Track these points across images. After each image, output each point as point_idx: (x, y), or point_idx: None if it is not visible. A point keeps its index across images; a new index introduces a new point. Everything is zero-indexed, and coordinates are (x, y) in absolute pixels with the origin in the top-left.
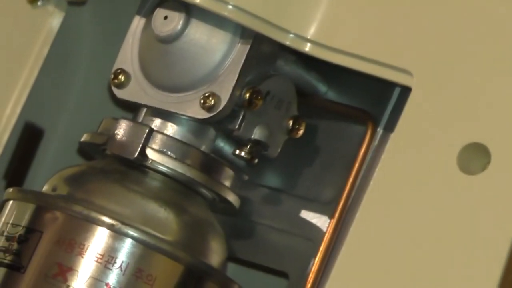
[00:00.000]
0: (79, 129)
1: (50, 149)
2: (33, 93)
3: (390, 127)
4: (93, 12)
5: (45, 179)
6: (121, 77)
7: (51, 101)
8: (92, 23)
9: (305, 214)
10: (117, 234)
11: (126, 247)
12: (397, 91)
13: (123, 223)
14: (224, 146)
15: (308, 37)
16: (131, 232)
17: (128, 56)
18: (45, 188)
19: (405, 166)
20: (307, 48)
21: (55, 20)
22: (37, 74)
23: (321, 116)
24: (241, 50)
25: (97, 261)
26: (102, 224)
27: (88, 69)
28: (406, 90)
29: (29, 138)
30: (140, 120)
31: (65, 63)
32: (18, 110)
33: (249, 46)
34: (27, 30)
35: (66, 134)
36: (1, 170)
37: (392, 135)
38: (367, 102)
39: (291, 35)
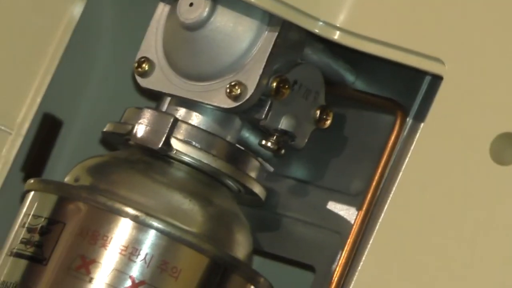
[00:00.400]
0: (99, 120)
1: (69, 140)
2: (53, 83)
3: (419, 117)
4: (114, 0)
5: (64, 171)
6: (145, 66)
7: (71, 91)
8: (113, 10)
9: (332, 206)
10: (141, 226)
11: (151, 238)
12: (427, 80)
13: (147, 214)
14: (250, 136)
15: (337, 25)
16: (155, 223)
17: (152, 44)
18: (67, 179)
19: (436, 157)
20: (336, 36)
21: (77, 8)
22: (58, 63)
23: (349, 106)
24: (268, 38)
25: (120, 253)
26: (126, 215)
27: (108, 58)
28: (436, 79)
29: (48, 129)
30: (164, 109)
31: (86, 52)
32: (38, 100)
33: (277, 34)
34: (48, 18)
35: (85, 125)
36: (20, 161)
37: (423, 125)
38: (396, 91)
39: (320, 23)
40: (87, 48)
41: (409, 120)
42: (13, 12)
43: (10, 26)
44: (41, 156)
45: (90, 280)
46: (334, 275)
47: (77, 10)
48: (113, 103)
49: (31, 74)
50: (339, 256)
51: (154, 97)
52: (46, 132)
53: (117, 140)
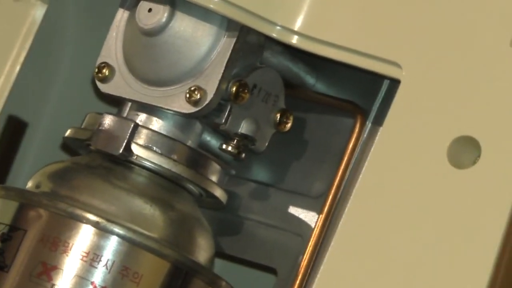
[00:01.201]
0: (63, 122)
1: (34, 142)
2: (16, 86)
3: (379, 120)
4: (77, 4)
5: (29, 173)
6: (105, 71)
7: (35, 94)
8: (75, 15)
9: (294, 209)
10: (102, 232)
11: (112, 244)
12: (385, 83)
13: (108, 220)
14: (211, 140)
15: (295, 29)
16: (116, 229)
17: (112, 49)
18: (29, 185)
19: (394, 160)
20: (294, 40)
21: (38, 11)
22: (19, 67)
23: (309, 109)
24: (227, 43)
25: (82, 259)
26: (87, 221)
27: (71, 62)
28: (395, 83)
29: (12, 131)
30: (124, 115)
31: (48, 56)
32: (1, 104)
33: (235, 38)
34: (9, 22)
35: (50, 128)
36: None
37: (382, 128)
38: (356, 94)
39: (278, 27)
40: (49, 51)
41: (368, 123)
42: None
43: None
44: (6, 158)
45: (52, 286)
46: (296, 278)
47: (39, 13)
48: (77, 106)
49: None
50: (300, 258)
51: (116, 102)
52: (10, 134)
53: (78, 146)
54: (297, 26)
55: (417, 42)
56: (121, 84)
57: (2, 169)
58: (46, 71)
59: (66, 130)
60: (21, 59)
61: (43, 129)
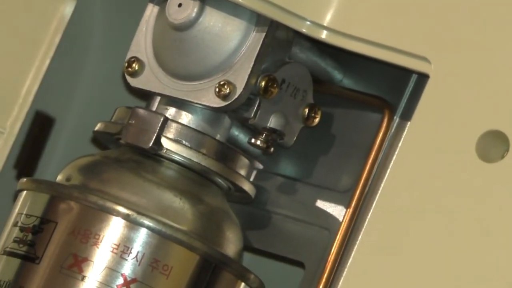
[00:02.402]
0: (90, 118)
1: (61, 138)
2: (44, 81)
3: (407, 114)
4: (105, 0)
5: (57, 168)
6: (135, 66)
7: (62, 90)
8: (103, 11)
9: (321, 203)
10: (133, 224)
11: (142, 237)
12: (413, 78)
13: (138, 213)
14: (239, 135)
15: (324, 24)
16: (146, 222)
17: (142, 44)
18: (59, 178)
19: (423, 154)
20: (324, 35)
21: (67, 7)
22: (49, 62)
23: (337, 104)
24: (256, 38)
25: (112, 252)
26: (117, 214)
27: (98, 58)
28: (423, 78)
29: (40, 127)
30: (154, 109)
31: (77, 51)
32: (30, 99)
33: (265, 33)
34: (39, 17)
35: (77, 123)
36: (12, 159)
37: (410, 123)
38: (383, 89)
39: (308, 23)
40: (78, 46)
41: (396, 118)
42: (4, 12)
43: (1, 26)
44: (33, 154)
45: (83, 278)
46: (324, 271)
47: (68, 9)
48: (105, 101)
49: (23, 73)
50: (328, 252)
51: (145, 96)
52: (38, 130)
53: (108, 139)
54: (326, 21)
55: (446, 36)
56: (151, 78)
57: (30, 165)
58: (74, 67)
59: (93, 126)
60: (50, 54)
61: (70, 125)
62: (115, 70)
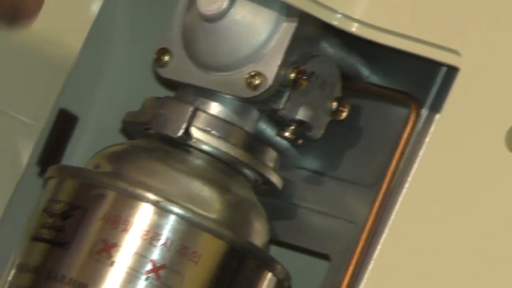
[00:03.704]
0: (113, 117)
1: (84, 137)
2: (70, 78)
3: (434, 109)
4: None
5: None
6: (165, 56)
7: (86, 88)
8: (129, 7)
9: (347, 197)
10: (162, 211)
11: (171, 223)
12: (441, 73)
13: (168, 199)
14: (266, 128)
15: (355, 17)
16: (176, 209)
17: (172, 35)
18: (87, 166)
19: (451, 148)
20: (354, 28)
21: (95, 5)
22: (74, 60)
23: (363, 99)
24: (286, 29)
25: (142, 238)
26: (147, 200)
27: (122, 56)
28: (451, 72)
29: (63, 125)
30: (183, 99)
31: (101, 50)
32: (54, 97)
33: (295, 25)
34: (67, 15)
35: (100, 122)
36: (35, 157)
37: (439, 116)
38: (410, 85)
39: (338, 15)
40: (103, 45)
41: (423, 113)
42: None
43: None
44: (56, 151)
45: (112, 263)
46: (349, 264)
47: (95, 7)
48: (128, 100)
49: (48, 71)
50: (353, 245)
51: (172, 88)
52: (61, 127)
53: (136, 130)
54: (357, 14)
55: (476, 29)
56: (181, 69)
57: (53, 163)
58: (98, 65)
59: (115, 125)
60: (76, 52)
61: (93, 123)
62: (139, 69)
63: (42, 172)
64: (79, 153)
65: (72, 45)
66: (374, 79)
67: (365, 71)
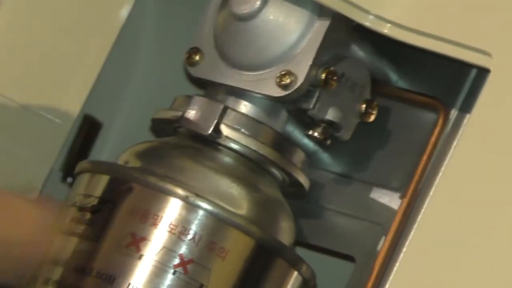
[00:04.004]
0: (137, 123)
1: (108, 143)
2: (96, 85)
3: (462, 113)
4: (158, 4)
5: None
6: (196, 56)
7: (111, 94)
8: (156, 14)
9: (374, 200)
10: (191, 206)
11: (200, 219)
12: (470, 77)
13: (197, 195)
14: (294, 130)
15: (388, 18)
16: (204, 204)
17: (204, 34)
18: (117, 162)
19: (480, 151)
20: (387, 29)
21: (124, 10)
22: (101, 66)
23: (392, 102)
24: (318, 30)
25: (170, 232)
26: (176, 195)
27: (148, 62)
28: (481, 74)
29: (87, 131)
30: (213, 97)
31: (127, 55)
32: (81, 103)
33: (327, 25)
34: (96, 19)
35: (124, 128)
36: (60, 162)
37: (468, 119)
38: (438, 90)
39: (371, 16)
40: (130, 50)
41: (451, 117)
42: (61, 13)
43: (59, 27)
44: (80, 157)
45: (140, 257)
46: (374, 266)
47: (124, 12)
48: (151, 107)
49: (75, 76)
50: (379, 247)
51: (202, 87)
52: (86, 133)
53: (164, 130)
54: (389, 15)
55: (507, 30)
56: (212, 68)
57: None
58: (123, 71)
59: (139, 132)
60: (103, 58)
61: (117, 130)
62: (164, 75)
63: (64, 177)
64: (103, 159)
65: (99, 50)
66: (402, 84)
67: (393, 76)
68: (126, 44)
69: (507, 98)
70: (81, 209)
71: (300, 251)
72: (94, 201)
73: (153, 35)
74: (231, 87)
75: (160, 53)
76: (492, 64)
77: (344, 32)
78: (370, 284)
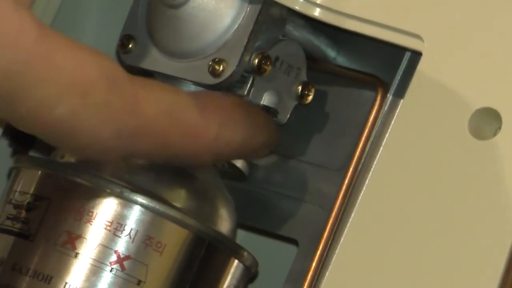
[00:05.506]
0: None
1: None
2: None
3: (400, 92)
4: None
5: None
6: (129, 43)
7: None
8: None
9: (315, 181)
10: (126, 201)
11: (135, 214)
12: (407, 56)
13: (131, 190)
14: None
15: (318, 2)
16: (139, 199)
17: (136, 21)
18: (52, 156)
19: (416, 132)
20: (317, 13)
21: None
22: None
23: (330, 82)
24: (249, 15)
25: (105, 229)
26: (111, 191)
27: (93, 37)
28: (416, 55)
29: None
30: None
31: (71, 31)
32: None
33: (258, 10)
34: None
35: None
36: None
37: (403, 101)
38: (377, 67)
39: (301, 0)
40: (71, 27)
41: (389, 96)
42: None
43: None
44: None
45: (76, 255)
46: (317, 249)
47: None
48: None
49: None
50: (321, 230)
51: (139, 74)
52: None
53: None
54: None
55: (438, 14)
56: (145, 56)
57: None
58: None
59: None
60: None
61: None
62: (109, 49)
63: (14, 154)
64: None
65: None
66: (341, 61)
67: (331, 53)
68: (68, 19)
69: (439, 81)
70: (17, 206)
71: (243, 235)
72: (29, 199)
73: (97, 9)
74: (165, 75)
75: (106, 27)
76: (424, 48)
77: (277, 14)
78: (313, 267)
